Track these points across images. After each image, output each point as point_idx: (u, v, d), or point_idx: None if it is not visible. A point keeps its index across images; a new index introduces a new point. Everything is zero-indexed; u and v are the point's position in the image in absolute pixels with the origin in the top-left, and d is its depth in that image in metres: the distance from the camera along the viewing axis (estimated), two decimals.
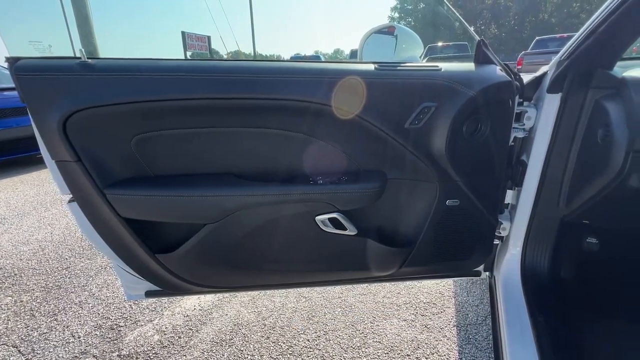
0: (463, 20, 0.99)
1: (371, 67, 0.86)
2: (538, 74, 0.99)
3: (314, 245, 0.99)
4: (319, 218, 0.93)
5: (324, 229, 0.95)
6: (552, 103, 0.93)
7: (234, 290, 1.16)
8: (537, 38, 10.51)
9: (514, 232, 1.10)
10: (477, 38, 0.90)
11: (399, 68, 0.86)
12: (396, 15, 40.78)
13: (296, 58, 16.36)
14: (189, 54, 15.37)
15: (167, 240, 0.96)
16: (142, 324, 1.55)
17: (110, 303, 1.71)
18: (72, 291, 1.82)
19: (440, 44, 12.28)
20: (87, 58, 0.77)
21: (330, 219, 0.93)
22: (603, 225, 1.04)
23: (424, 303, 1.62)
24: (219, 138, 0.88)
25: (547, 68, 0.96)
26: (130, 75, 0.78)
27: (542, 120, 0.96)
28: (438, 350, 1.34)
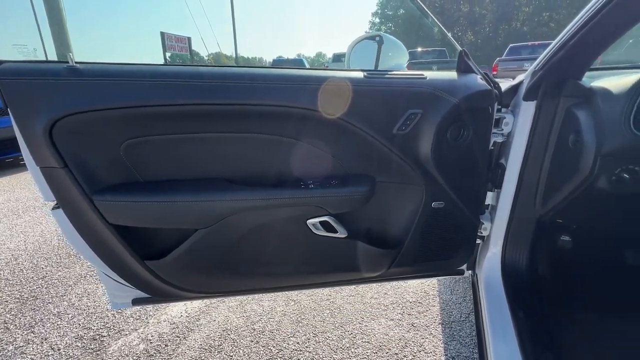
0: (446, 31, 1.04)
1: (360, 75, 0.89)
2: (515, 82, 1.05)
3: (305, 248, 1.01)
4: (310, 221, 0.95)
5: (315, 232, 0.97)
6: (527, 110, 0.99)
7: (225, 295, 1.15)
8: (510, 45, 10.98)
9: (495, 231, 1.16)
10: (459, 48, 0.95)
11: (387, 76, 0.89)
12: (377, 20, 41.50)
13: (278, 61, 16.32)
14: (168, 55, 15.02)
15: (157, 247, 0.95)
16: (127, 333, 1.51)
17: (91, 313, 1.65)
18: (50, 302, 1.75)
19: (420, 49, 12.61)
20: (75, 63, 0.76)
21: (321, 222, 0.95)
22: (575, 224, 1.11)
23: (410, 302, 1.66)
24: (210, 143, 0.88)
25: (523, 77, 1.02)
26: (122, 80, 0.77)
27: (519, 126, 1.02)
28: (425, 348, 1.38)
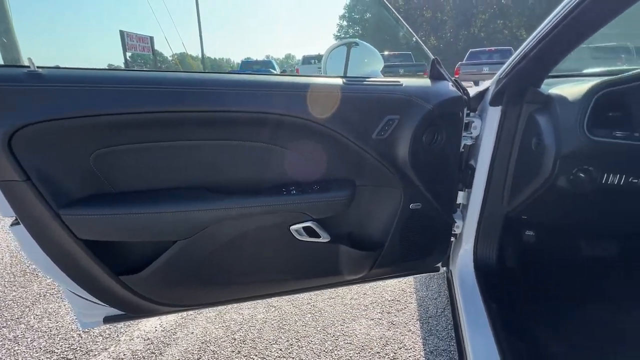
0: (419, 39, 1.09)
1: (340, 81, 0.90)
2: (481, 88, 1.12)
3: (289, 254, 1.00)
4: (293, 227, 0.95)
5: (298, 238, 0.97)
6: (494, 115, 1.06)
7: (206, 307, 1.12)
8: (470, 50, 11.65)
9: (466, 229, 1.23)
10: (432, 57, 1.00)
11: (365, 83, 0.92)
12: (344, 23, 42.19)
13: (247, 62, 16.06)
14: (128, 54, 14.27)
15: (132, 261, 0.91)
16: (96, 353, 1.42)
17: (54, 334, 1.53)
18: (4, 325, 1.60)
19: (387, 52, 13.00)
20: (37, 67, 0.71)
21: (304, 228, 0.95)
22: (538, 220, 1.20)
23: (389, 301, 1.71)
24: (189, 151, 0.86)
25: (489, 84, 1.09)
26: (89, 86, 0.73)
27: (486, 130, 1.09)
28: (405, 345, 1.42)
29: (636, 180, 0.85)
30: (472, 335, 0.99)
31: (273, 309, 1.67)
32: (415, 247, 1.15)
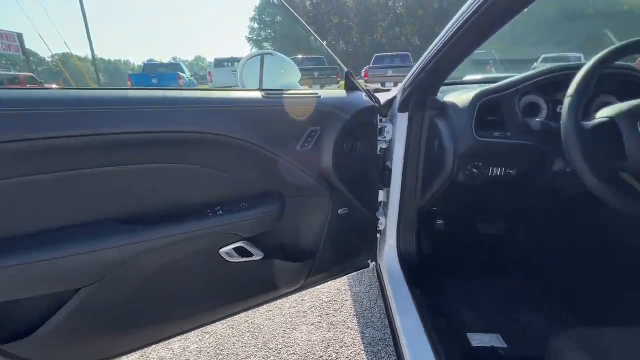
0: (332, 53, 1.13)
1: (259, 94, 0.88)
2: (390, 96, 1.23)
3: (221, 278, 0.94)
4: (223, 250, 0.89)
5: (229, 260, 0.91)
6: (402, 120, 1.18)
7: (130, 353, 0.97)
8: (375, 55, 12.73)
9: (389, 225, 1.34)
10: (345, 69, 1.05)
11: (284, 95, 0.92)
12: (255, 25, 41.67)
13: (149, 65, 14.52)
14: None
15: (18, 323, 0.73)
16: None
17: None
18: None
19: (300, 56, 13.30)
20: None
21: (235, 249, 0.91)
22: (444, 210, 1.39)
23: (326, 302, 1.75)
24: (91, 180, 0.73)
25: (397, 92, 1.21)
26: None
27: (397, 134, 1.20)
28: (345, 342, 1.48)
29: (511, 171, 1.05)
30: (402, 320, 1.09)
31: (207, 335, 1.55)
32: (346, 249, 1.20)
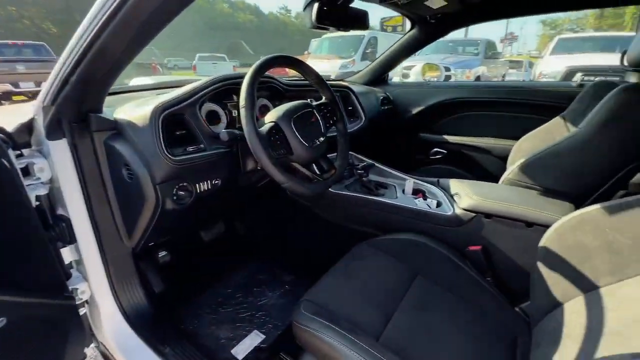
0: None
1: None
2: (24, 120, 0.83)
3: None
4: None
5: None
6: (61, 150, 0.84)
7: None
8: None
9: (95, 287, 0.99)
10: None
11: None
12: None
13: None
14: None
15: None
16: None
17: None
18: None
19: None
20: None
21: None
22: (164, 239, 1.21)
23: None
24: None
25: (34, 113, 0.83)
26: None
27: (60, 169, 0.85)
28: None
29: (217, 182, 1.02)
30: None
31: None
32: None
